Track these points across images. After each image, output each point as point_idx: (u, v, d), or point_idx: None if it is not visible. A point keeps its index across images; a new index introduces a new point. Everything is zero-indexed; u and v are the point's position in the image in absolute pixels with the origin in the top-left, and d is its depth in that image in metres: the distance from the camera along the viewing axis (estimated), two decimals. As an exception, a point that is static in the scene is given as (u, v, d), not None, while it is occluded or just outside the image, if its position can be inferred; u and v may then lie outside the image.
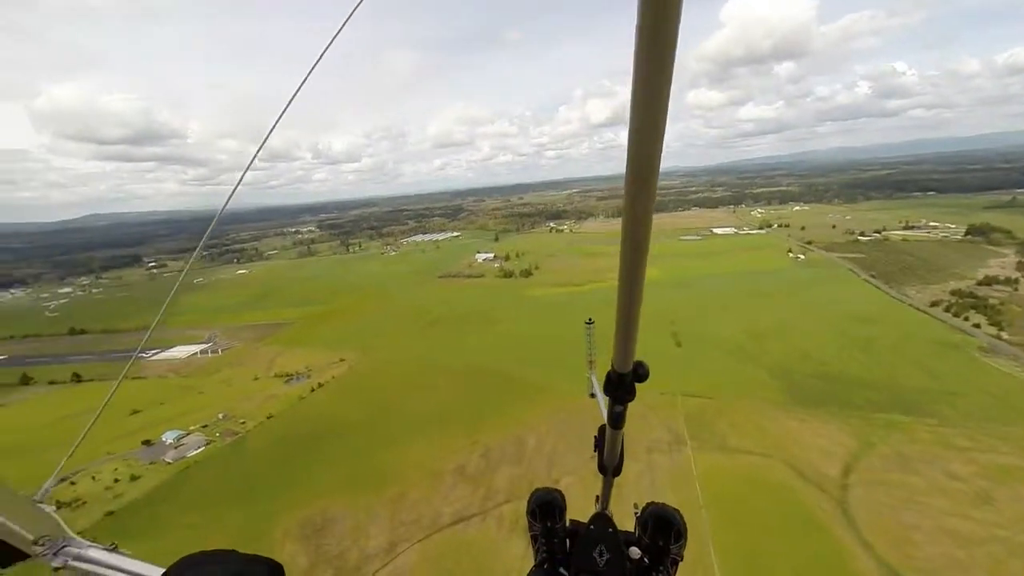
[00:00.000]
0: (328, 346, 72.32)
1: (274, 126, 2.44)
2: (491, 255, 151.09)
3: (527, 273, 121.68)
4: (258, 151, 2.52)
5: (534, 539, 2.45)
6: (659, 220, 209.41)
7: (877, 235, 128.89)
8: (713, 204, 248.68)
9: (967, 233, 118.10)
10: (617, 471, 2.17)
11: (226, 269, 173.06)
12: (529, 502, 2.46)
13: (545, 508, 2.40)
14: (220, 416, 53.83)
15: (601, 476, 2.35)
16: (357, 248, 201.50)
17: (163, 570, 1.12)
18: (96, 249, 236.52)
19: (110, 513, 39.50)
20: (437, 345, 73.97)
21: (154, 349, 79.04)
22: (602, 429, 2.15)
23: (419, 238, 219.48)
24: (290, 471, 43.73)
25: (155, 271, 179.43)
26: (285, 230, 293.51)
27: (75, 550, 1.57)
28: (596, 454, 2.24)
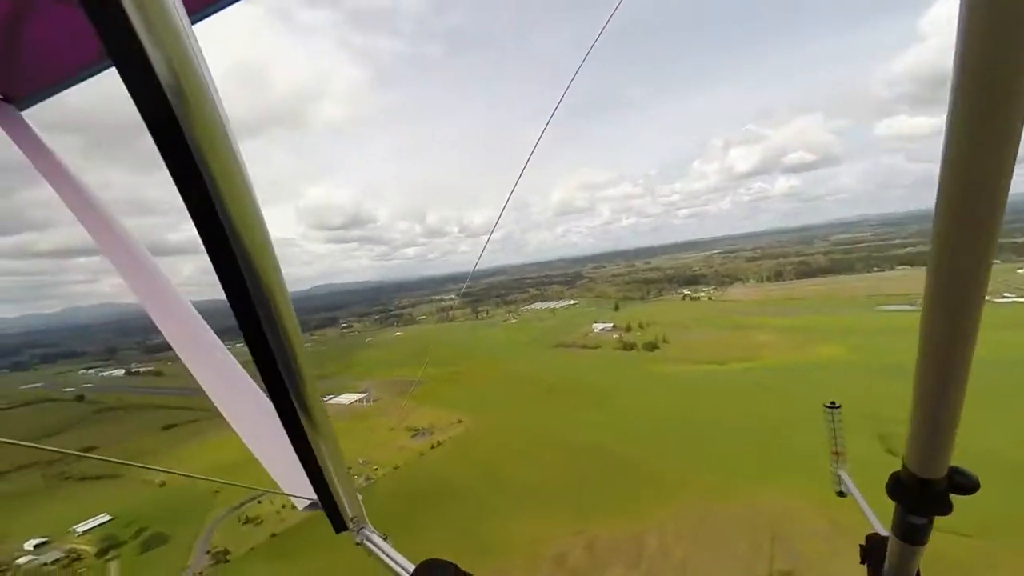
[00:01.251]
0: (450, 406, 77.87)
1: (513, 189, 3.15)
2: (610, 325, 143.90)
3: (652, 347, 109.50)
4: (500, 215, 3.42)
5: None
6: (840, 284, 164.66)
7: None
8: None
9: None
10: None
11: (388, 331, 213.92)
12: None
13: None
14: (361, 462, 61.91)
15: None
16: (485, 315, 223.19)
17: (413, 566, 1.43)
18: (313, 313, 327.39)
19: (274, 535, 47.82)
20: (548, 416, 70.86)
21: (329, 395, 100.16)
22: (874, 539, 1.73)
23: (538, 305, 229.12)
24: (404, 525, 45.21)
25: (344, 331, 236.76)
26: (432, 298, 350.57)
27: (368, 532, 2.03)
28: (865, 567, 1.75)
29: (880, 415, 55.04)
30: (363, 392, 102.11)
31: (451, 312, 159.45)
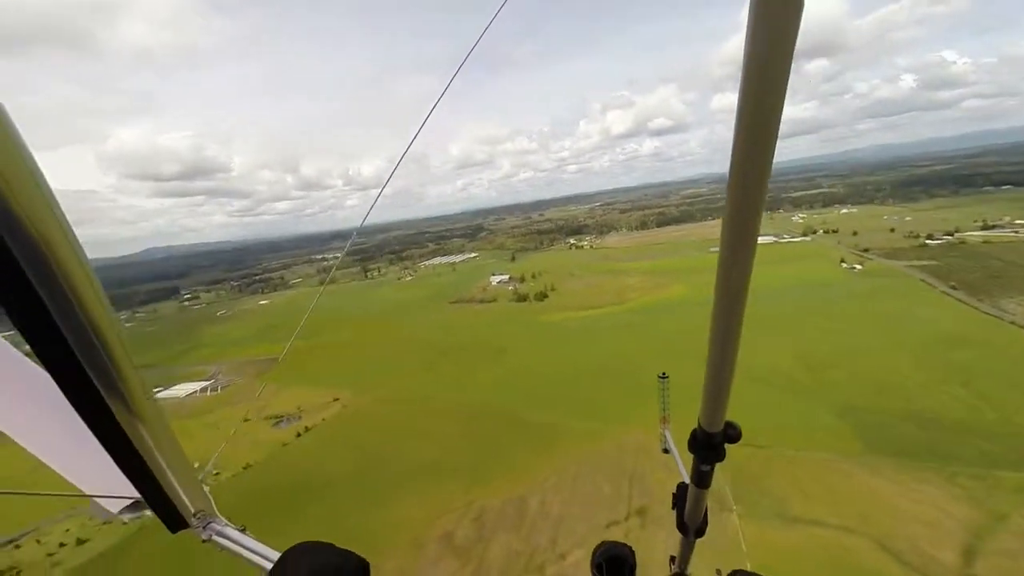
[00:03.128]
0: (324, 383, 67.79)
1: (411, 144, 2.66)
2: (506, 277, 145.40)
3: (542, 296, 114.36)
4: (396, 167, 2.77)
5: None
6: (683, 232, 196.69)
7: (950, 238, 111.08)
8: None
9: None
10: (700, 532, 2.08)
11: (251, 300, 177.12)
12: (594, 555, 2.31)
13: (613, 564, 2.22)
14: (196, 465, 49.55)
15: (681, 536, 2.24)
16: (376, 274, 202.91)
17: (279, 554, 1.35)
18: (145, 282, 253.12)
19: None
20: (440, 381, 67.62)
21: (157, 388, 78.08)
22: (682, 487, 2.09)
23: (437, 260, 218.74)
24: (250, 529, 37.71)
25: (187, 303, 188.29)
26: (313, 257, 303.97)
27: (218, 527, 1.79)
28: (674, 512, 2.13)
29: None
30: (208, 379, 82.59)
31: (333, 273, 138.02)
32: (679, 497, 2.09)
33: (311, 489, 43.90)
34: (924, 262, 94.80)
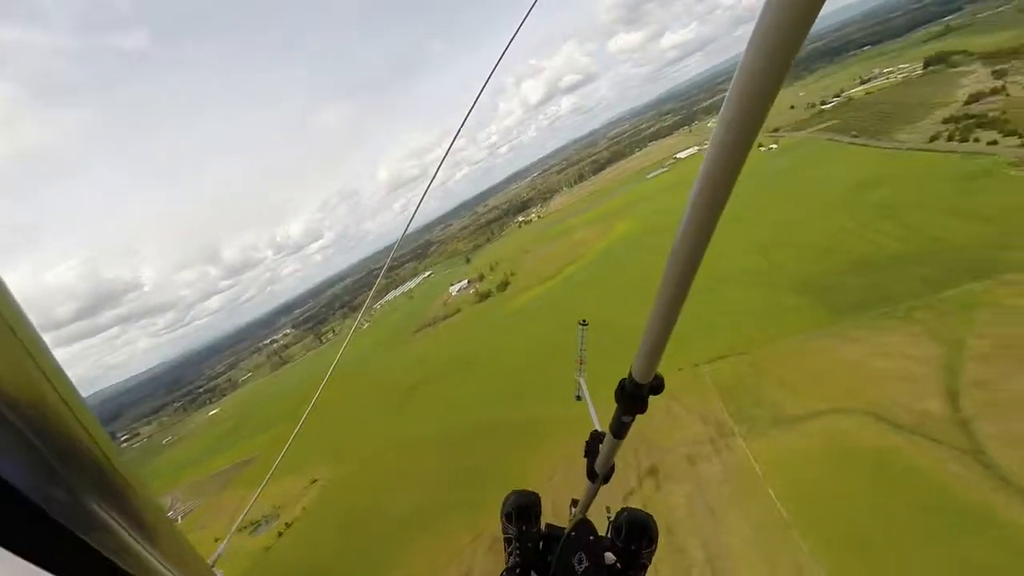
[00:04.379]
0: (297, 468, 61.13)
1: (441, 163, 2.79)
2: (465, 282, 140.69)
3: (504, 285, 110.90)
4: (417, 207, 3.03)
5: (507, 542, 2.44)
6: (620, 166, 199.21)
7: (838, 98, 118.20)
8: (668, 132, 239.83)
9: (926, 66, 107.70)
10: (607, 479, 2.11)
11: (198, 415, 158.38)
12: (505, 504, 2.46)
13: (521, 511, 2.41)
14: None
15: (588, 481, 2.21)
16: (331, 335, 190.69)
17: None
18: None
19: None
20: (414, 421, 62.88)
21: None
22: (595, 435, 2.08)
23: (392, 295, 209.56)
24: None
25: (125, 445, 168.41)
26: (261, 344, 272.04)
27: None
28: (586, 459, 2.11)
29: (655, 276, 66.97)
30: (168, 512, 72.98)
31: (285, 351, 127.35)
32: (591, 445, 2.05)
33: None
34: (826, 123, 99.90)
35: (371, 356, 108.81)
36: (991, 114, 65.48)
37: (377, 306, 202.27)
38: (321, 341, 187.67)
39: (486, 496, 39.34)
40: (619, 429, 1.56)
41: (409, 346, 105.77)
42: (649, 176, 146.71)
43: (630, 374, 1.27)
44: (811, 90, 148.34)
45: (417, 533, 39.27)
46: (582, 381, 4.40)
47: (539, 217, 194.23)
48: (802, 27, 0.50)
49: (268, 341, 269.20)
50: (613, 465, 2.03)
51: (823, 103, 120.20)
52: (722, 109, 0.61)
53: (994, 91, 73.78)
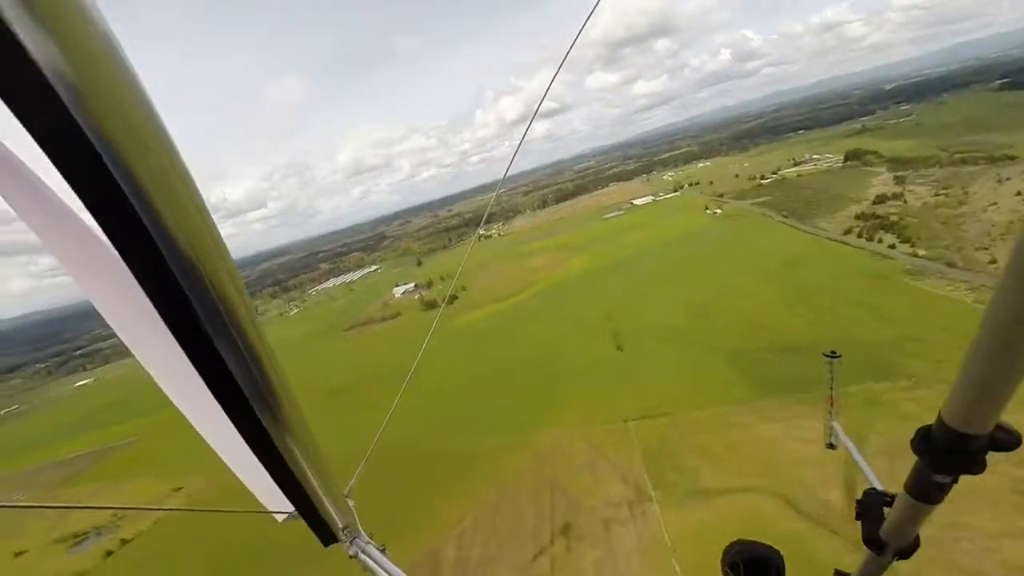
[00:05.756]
0: (167, 470, 50.54)
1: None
2: (411, 285, 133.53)
3: (452, 298, 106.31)
4: (533, 115, 2.74)
5: None
6: (579, 204, 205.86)
7: (775, 176, 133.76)
8: (629, 176, 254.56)
9: (846, 159, 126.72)
10: (904, 554, 1.58)
11: (64, 382, 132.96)
12: (727, 553, 1.97)
13: (755, 567, 1.85)
14: None
15: (868, 552, 1.68)
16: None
17: None
18: None
19: None
20: (324, 431, 55.79)
21: None
22: (873, 494, 1.65)
23: (332, 283, 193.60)
24: None
25: None
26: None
27: (362, 543, 1.83)
28: (860, 524, 1.65)
29: (611, 314, 68.29)
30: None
31: None
32: (867, 505, 1.62)
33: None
34: (763, 198, 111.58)
35: (296, 346, 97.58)
36: (892, 217, 74.78)
37: (312, 291, 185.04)
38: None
39: (387, 535, 34.41)
40: (924, 490, 1.18)
41: (337, 344, 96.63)
42: (607, 216, 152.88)
43: (939, 419, 0.98)
44: (754, 163, 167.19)
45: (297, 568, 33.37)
46: (837, 426, 3.83)
47: (499, 235, 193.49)
48: None
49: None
50: (917, 537, 1.52)
51: (762, 178, 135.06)
52: None
53: (895, 195, 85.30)
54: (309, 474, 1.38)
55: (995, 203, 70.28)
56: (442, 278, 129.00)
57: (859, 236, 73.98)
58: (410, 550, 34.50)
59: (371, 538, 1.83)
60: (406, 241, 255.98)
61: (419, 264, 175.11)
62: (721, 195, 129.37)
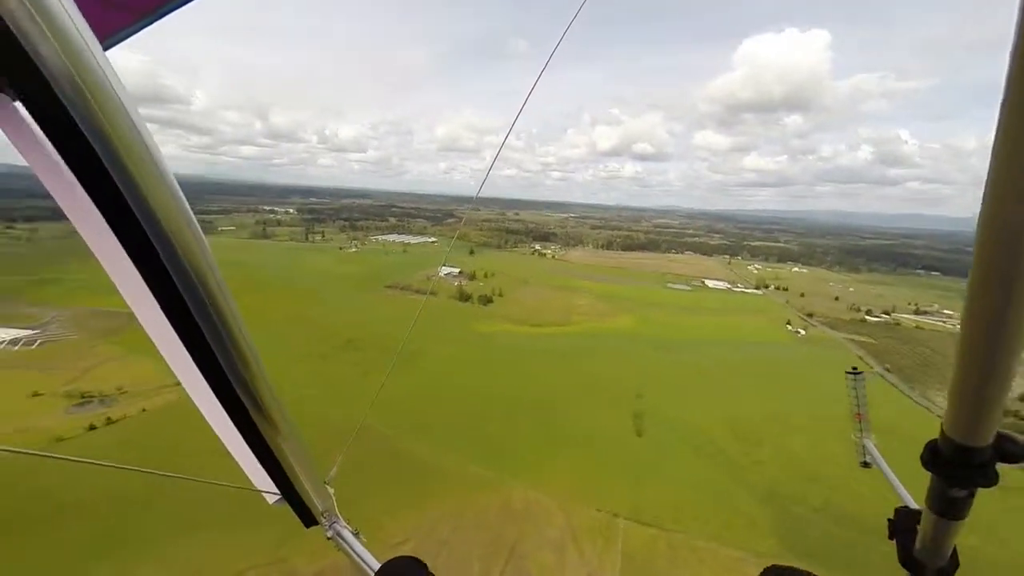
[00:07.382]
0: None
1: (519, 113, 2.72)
2: (457, 270, 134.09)
3: (487, 300, 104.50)
4: (507, 136, 2.87)
5: None
6: (646, 260, 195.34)
7: (887, 316, 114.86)
8: (709, 251, 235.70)
9: None
10: (945, 573, 1.55)
11: None
12: None
13: None
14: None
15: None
16: (319, 238, 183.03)
17: (379, 564, 1.53)
18: (39, 197, 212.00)
19: None
20: (324, 382, 55.51)
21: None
22: (905, 513, 1.63)
23: (392, 237, 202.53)
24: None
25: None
26: (260, 207, 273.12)
27: (339, 527, 2.00)
28: (896, 543, 1.62)
29: (643, 393, 61.04)
30: (35, 327, 64.39)
31: (273, 229, 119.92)
32: (901, 524, 1.59)
33: (45, 519, 30.91)
34: (862, 338, 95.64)
35: (338, 282, 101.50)
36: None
37: (374, 238, 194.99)
38: (307, 238, 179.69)
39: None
40: (943, 505, 1.19)
41: (372, 296, 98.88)
42: (671, 285, 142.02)
43: (942, 432, 1.00)
44: (862, 291, 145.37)
45: (185, 533, 31.83)
46: (869, 444, 3.97)
47: (553, 257, 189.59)
48: None
49: (268, 208, 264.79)
50: (955, 557, 1.48)
51: (868, 313, 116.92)
52: None
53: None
54: (292, 461, 1.57)
55: None
56: (486, 275, 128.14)
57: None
58: (318, 558, 31.56)
59: (347, 523, 1.98)
60: (467, 227, 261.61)
61: (471, 253, 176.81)
62: (810, 314, 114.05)
